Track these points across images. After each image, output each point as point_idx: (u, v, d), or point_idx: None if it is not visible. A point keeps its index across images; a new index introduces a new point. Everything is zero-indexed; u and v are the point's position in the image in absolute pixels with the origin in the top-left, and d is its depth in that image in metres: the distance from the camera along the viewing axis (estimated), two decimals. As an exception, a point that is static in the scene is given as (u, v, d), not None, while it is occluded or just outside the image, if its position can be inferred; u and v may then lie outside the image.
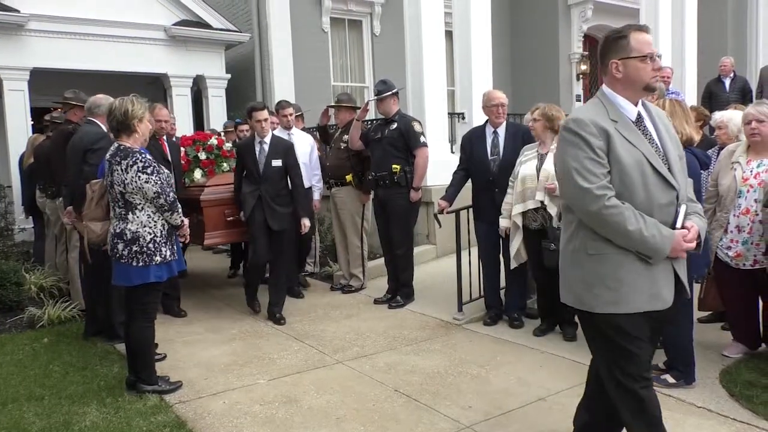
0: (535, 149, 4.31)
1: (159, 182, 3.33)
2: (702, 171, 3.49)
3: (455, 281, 4.82)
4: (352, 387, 3.58)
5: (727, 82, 8.50)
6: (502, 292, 4.78)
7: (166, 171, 3.49)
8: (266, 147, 4.92)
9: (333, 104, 6.16)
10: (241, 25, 9.89)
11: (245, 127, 6.54)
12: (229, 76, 9.65)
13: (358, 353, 4.16)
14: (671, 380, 3.41)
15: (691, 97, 8.92)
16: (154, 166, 3.36)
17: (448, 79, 7.56)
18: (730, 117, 4.15)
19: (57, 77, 8.10)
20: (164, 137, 5.11)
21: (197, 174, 5.45)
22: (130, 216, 3.35)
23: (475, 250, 4.81)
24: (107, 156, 3.41)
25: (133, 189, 3.30)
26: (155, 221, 3.38)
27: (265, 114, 4.90)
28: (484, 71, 7.41)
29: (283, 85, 9.57)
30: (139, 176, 3.28)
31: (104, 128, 4.66)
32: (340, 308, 5.25)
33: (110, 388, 3.59)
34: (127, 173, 3.28)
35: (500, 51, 10.96)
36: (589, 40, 12.49)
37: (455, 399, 3.38)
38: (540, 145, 4.30)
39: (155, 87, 9.84)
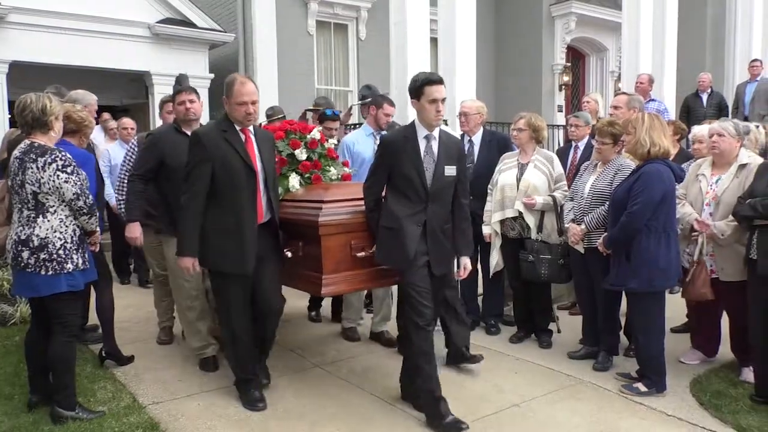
0: (515, 158, 4.36)
1: (79, 182, 3.04)
2: (677, 184, 3.57)
3: (434, 287, 4.83)
4: (328, 391, 3.57)
5: (705, 97, 8.67)
6: (479, 299, 4.82)
7: (84, 173, 3.17)
8: (435, 145, 3.13)
9: (311, 108, 6.06)
10: (226, 25, 9.85)
11: (334, 124, 4.72)
12: (212, 76, 9.58)
13: (336, 357, 4.15)
14: (643, 388, 3.47)
15: (669, 110, 9.10)
16: (74, 166, 3.06)
17: (432, 86, 7.59)
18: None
19: (37, 71, 7.96)
20: (250, 128, 3.32)
21: (293, 181, 3.67)
22: (39, 220, 3.00)
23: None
24: (16, 153, 3.03)
25: (50, 189, 2.97)
26: (67, 226, 3.05)
27: (443, 90, 3.09)
28: (468, 79, 7.48)
29: (266, 87, 9.51)
30: (58, 175, 2.97)
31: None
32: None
33: (82, 387, 3.54)
34: (44, 171, 2.95)
35: (484, 60, 11.05)
36: (572, 51, 12.67)
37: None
38: (521, 154, 4.35)
39: (137, 84, 9.74)
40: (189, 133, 3.71)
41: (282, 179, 3.66)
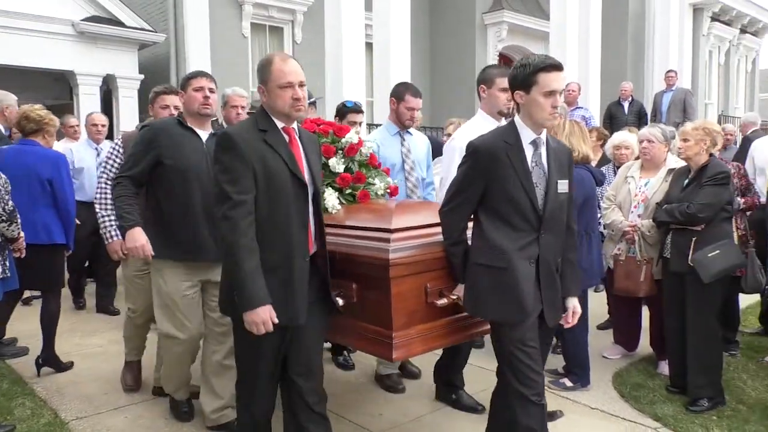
0: (447, 162, 4.44)
1: None
2: (598, 187, 3.76)
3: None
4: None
5: (626, 105, 9.15)
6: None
7: (3, 177, 2.99)
8: (544, 153, 2.36)
9: (249, 111, 5.99)
10: (157, 24, 9.56)
11: (358, 117, 4.08)
12: (142, 76, 9.27)
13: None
14: (568, 383, 3.62)
15: (594, 117, 9.56)
16: None
17: (367, 90, 7.67)
18: (633, 139, 4.48)
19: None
20: (294, 127, 2.41)
21: (331, 199, 2.88)
22: None
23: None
24: None
25: None
26: None
27: (563, 79, 2.31)
28: (403, 84, 7.60)
29: (200, 89, 9.32)
30: None
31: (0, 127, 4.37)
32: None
33: (-2, 405, 3.35)
34: None
35: (419, 66, 11.23)
36: (503, 59, 13.06)
37: (367, 408, 3.41)
38: (453, 158, 4.44)
39: (61, 84, 9.31)
40: (196, 129, 2.96)
41: None
